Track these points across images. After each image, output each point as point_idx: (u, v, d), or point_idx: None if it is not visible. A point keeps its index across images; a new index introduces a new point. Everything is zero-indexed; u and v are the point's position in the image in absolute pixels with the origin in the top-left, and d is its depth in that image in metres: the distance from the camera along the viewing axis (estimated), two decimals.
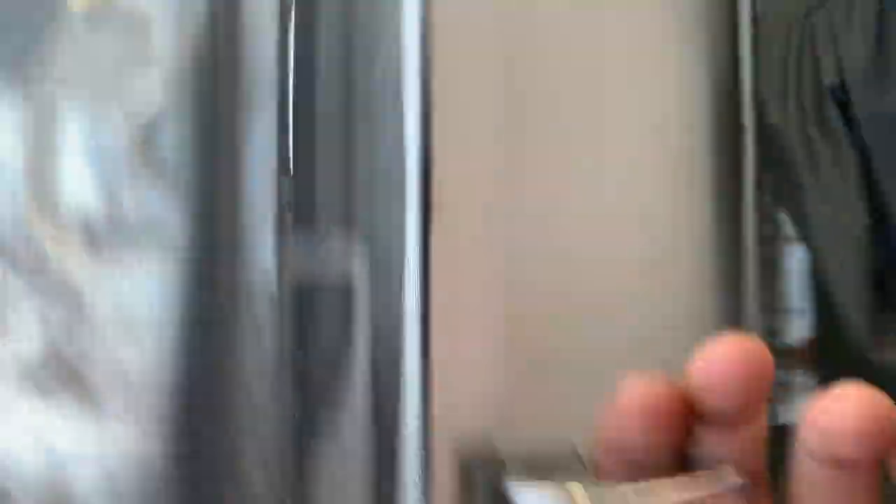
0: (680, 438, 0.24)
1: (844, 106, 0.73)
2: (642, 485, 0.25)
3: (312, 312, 0.27)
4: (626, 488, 0.25)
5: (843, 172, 0.71)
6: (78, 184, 0.30)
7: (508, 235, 0.30)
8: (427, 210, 0.27)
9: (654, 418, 0.23)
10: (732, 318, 0.44)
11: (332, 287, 0.28)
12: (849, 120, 0.72)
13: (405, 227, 0.28)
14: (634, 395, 0.23)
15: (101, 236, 0.30)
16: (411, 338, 0.27)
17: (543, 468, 0.27)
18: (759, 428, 0.24)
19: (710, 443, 0.24)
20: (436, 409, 0.27)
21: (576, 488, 0.26)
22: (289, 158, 0.30)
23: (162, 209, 0.28)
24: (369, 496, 0.26)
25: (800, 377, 0.74)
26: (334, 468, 0.26)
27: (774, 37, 0.75)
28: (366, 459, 0.26)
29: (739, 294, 0.43)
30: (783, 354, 0.71)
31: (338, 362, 0.27)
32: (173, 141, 0.29)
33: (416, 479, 0.26)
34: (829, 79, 0.75)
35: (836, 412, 0.23)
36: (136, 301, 0.28)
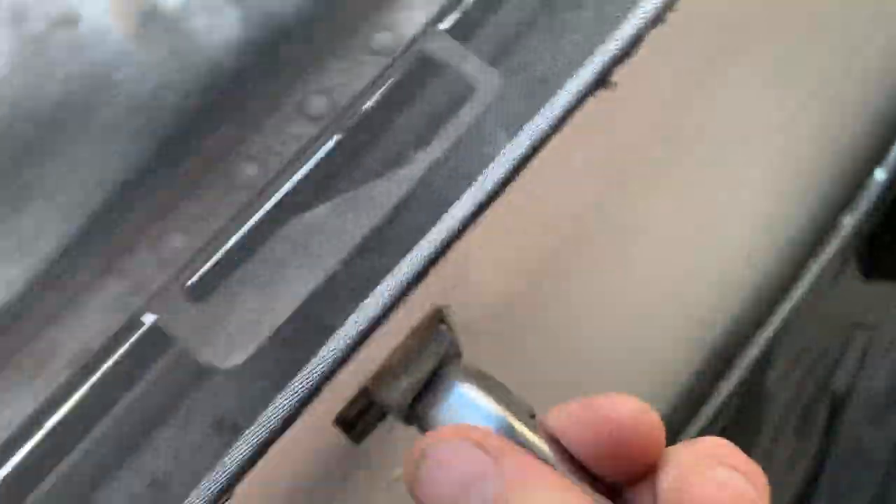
0: (630, 473, 0.21)
1: (836, 413, 0.73)
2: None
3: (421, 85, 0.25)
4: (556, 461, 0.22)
5: (797, 453, 0.70)
6: None
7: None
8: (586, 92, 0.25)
9: (622, 444, 0.21)
10: None
11: (450, 85, 0.25)
12: (832, 424, 0.72)
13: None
14: (624, 412, 0.21)
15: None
16: (484, 181, 0.25)
17: (496, 392, 0.24)
18: None
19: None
20: (449, 261, 0.24)
21: (516, 423, 0.23)
22: None
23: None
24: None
25: None
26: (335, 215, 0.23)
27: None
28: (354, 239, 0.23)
29: None
30: None
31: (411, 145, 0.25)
32: None
33: (384, 297, 0.23)
34: (839, 388, 0.75)
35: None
36: None
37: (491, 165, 0.25)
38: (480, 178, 0.25)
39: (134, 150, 0.24)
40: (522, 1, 0.28)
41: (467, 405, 0.23)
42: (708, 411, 0.61)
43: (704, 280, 0.52)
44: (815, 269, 0.72)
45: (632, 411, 0.21)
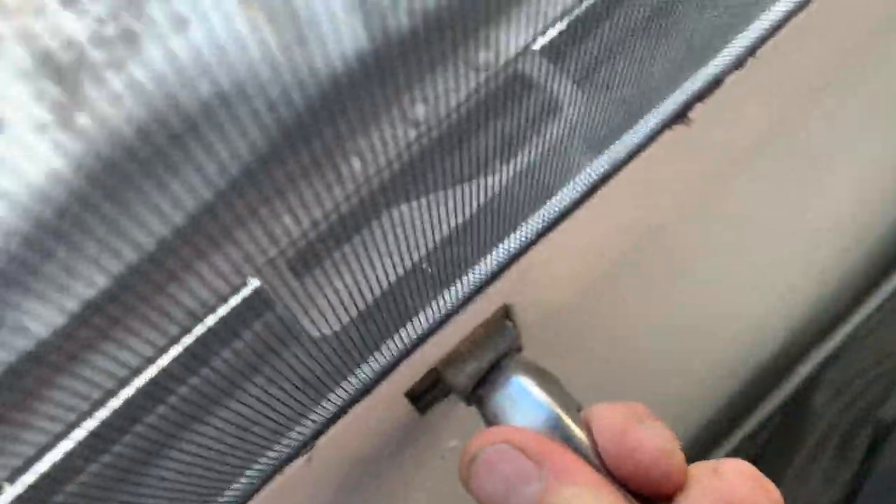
0: (651, 494, 0.23)
1: (878, 441, 0.73)
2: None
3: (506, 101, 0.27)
4: (593, 457, 0.24)
5: (830, 473, 0.71)
6: None
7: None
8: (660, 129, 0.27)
9: (646, 475, 0.22)
10: None
11: (539, 103, 0.28)
12: (873, 452, 0.72)
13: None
14: (650, 449, 0.22)
15: None
16: (562, 197, 0.27)
17: (549, 386, 0.27)
18: None
19: None
20: (521, 266, 0.27)
21: (564, 417, 0.26)
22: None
23: None
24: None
25: None
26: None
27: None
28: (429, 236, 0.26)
29: None
30: None
31: (492, 157, 0.27)
32: None
33: (461, 291, 0.26)
34: (885, 417, 0.75)
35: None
36: None
37: (571, 184, 0.28)
38: (559, 193, 0.28)
39: (260, 141, 0.28)
40: (613, 28, 0.30)
41: (523, 395, 0.26)
42: (753, 422, 0.62)
43: (764, 301, 0.53)
44: (880, 295, 0.73)
45: (658, 450, 0.22)
